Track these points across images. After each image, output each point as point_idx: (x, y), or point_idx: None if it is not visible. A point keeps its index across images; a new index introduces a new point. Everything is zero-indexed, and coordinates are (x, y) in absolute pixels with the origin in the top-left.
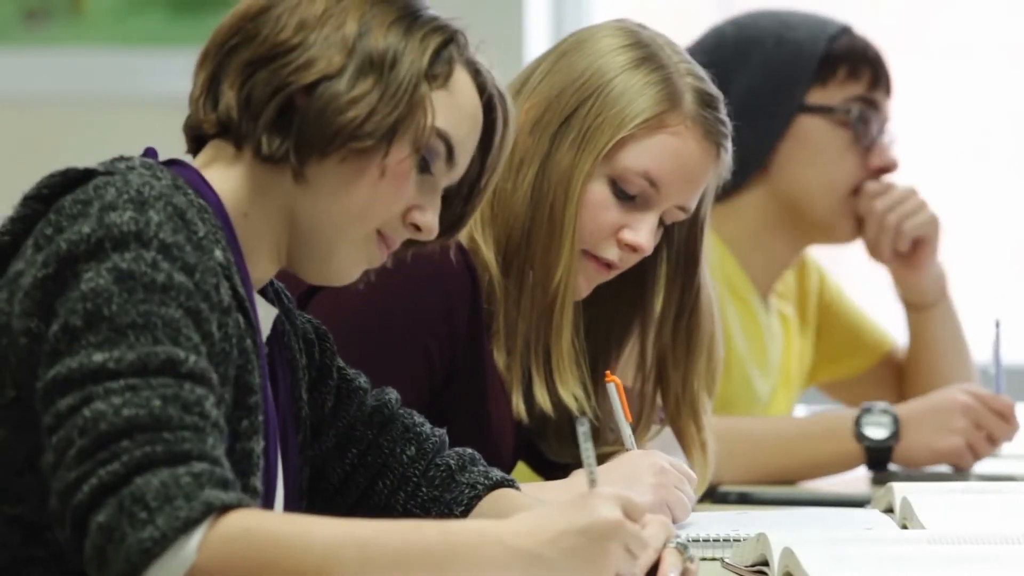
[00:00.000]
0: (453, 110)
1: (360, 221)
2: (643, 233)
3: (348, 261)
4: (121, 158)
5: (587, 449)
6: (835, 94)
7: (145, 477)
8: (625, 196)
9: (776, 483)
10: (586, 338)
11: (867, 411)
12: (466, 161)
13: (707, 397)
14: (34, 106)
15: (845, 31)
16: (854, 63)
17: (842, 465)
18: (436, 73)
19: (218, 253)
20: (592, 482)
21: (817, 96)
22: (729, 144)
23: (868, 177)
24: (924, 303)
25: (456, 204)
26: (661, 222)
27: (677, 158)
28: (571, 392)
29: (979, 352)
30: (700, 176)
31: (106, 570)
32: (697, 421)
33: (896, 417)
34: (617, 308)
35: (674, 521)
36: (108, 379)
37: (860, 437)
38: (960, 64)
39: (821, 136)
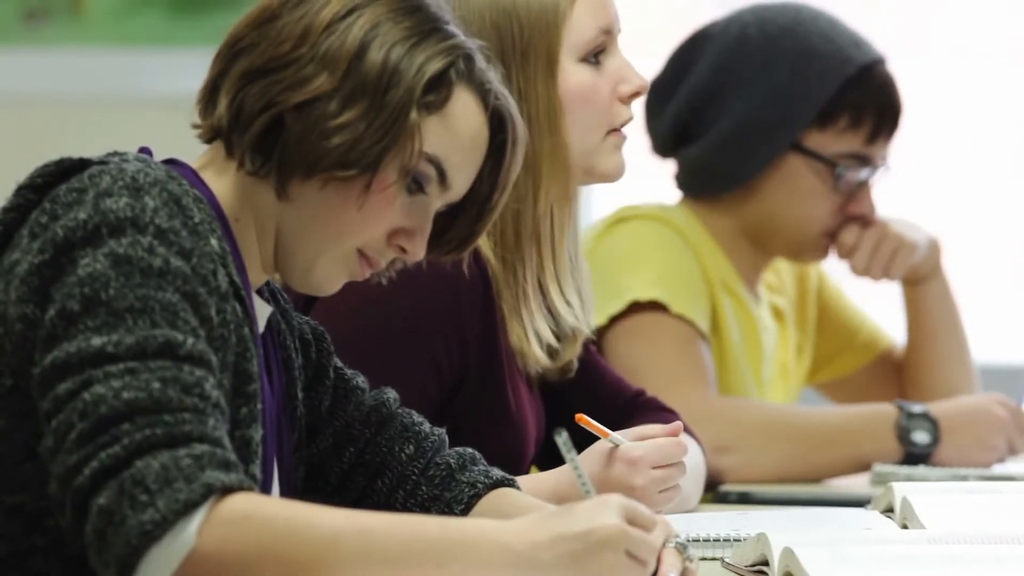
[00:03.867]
0: (447, 136)
1: (341, 240)
2: (633, 75)
3: (329, 275)
4: (115, 153)
5: (572, 459)
6: (830, 143)
7: (145, 460)
8: (596, 60)
9: (799, 481)
10: None
11: (908, 414)
12: (464, 182)
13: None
14: (34, 106)
15: (864, 70)
16: (858, 113)
17: (879, 460)
18: (430, 100)
19: (213, 241)
20: (587, 492)
21: (813, 139)
22: None
23: (844, 221)
24: (918, 276)
25: (466, 221)
26: None
27: (601, 1)
28: (567, 301)
29: (978, 351)
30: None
31: (106, 553)
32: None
33: (936, 423)
34: None
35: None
36: (107, 363)
37: (905, 441)
38: (961, 64)
39: (803, 178)
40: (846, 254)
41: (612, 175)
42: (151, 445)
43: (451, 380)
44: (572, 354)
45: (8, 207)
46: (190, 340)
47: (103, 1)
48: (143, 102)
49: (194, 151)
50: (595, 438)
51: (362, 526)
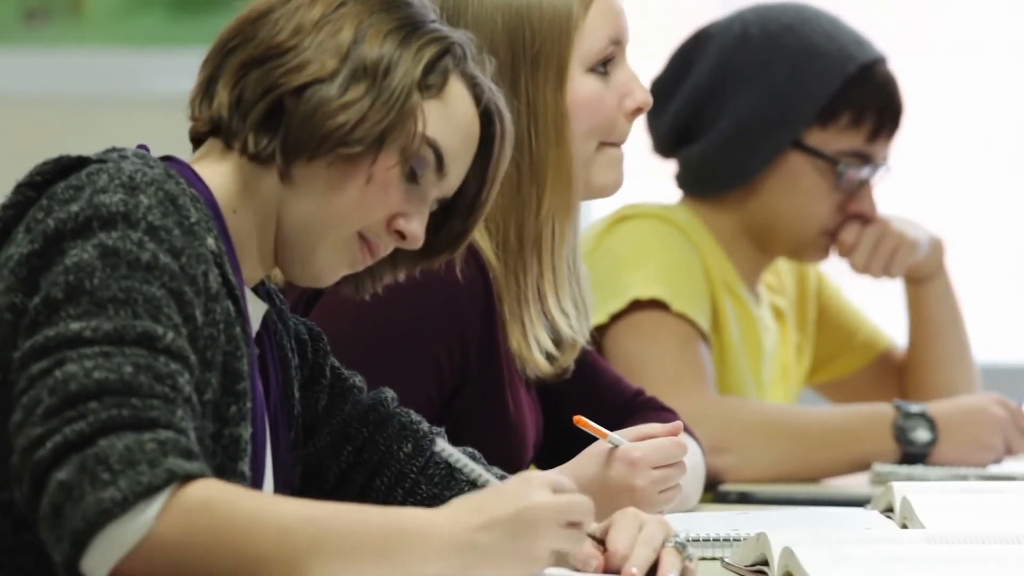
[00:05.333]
0: (445, 120)
1: (342, 224)
2: (639, 88)
3: (329, 262)
4: (113, 149)
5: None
6: (831, 141)
7: (110, 439)
8: (605, 71)
9: (798, 481)
10: None
11: (905, 414)
12: (459, 173)
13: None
14: (34, 106)
15: (866, 68)
16: (860, 111)
17: (877, 460)
18: (430, 83)
19: (210, 241)
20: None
21: (814, 137)
22: None
23: (845, 219)
24: (921, 275)
25: (457, 219)
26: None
27: (614, 7)
28: (563, 310)
29: (978, 351)
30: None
31: (60, 528)
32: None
33: (934, 422)
34: None
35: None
36: (83, 345)
37: (902, 440)
38: (962, 63)
39: (805, 175)
40: (846, 252)
41: (608, 189)
42: (117, 425)
43: (451, 382)
44: (569, 361)
45: (7, 204)
46: (170, 335)
47: (103, 1)
48: (143, 102)
49: (192, 151)
50: (594, 438)
51: (316, 517)
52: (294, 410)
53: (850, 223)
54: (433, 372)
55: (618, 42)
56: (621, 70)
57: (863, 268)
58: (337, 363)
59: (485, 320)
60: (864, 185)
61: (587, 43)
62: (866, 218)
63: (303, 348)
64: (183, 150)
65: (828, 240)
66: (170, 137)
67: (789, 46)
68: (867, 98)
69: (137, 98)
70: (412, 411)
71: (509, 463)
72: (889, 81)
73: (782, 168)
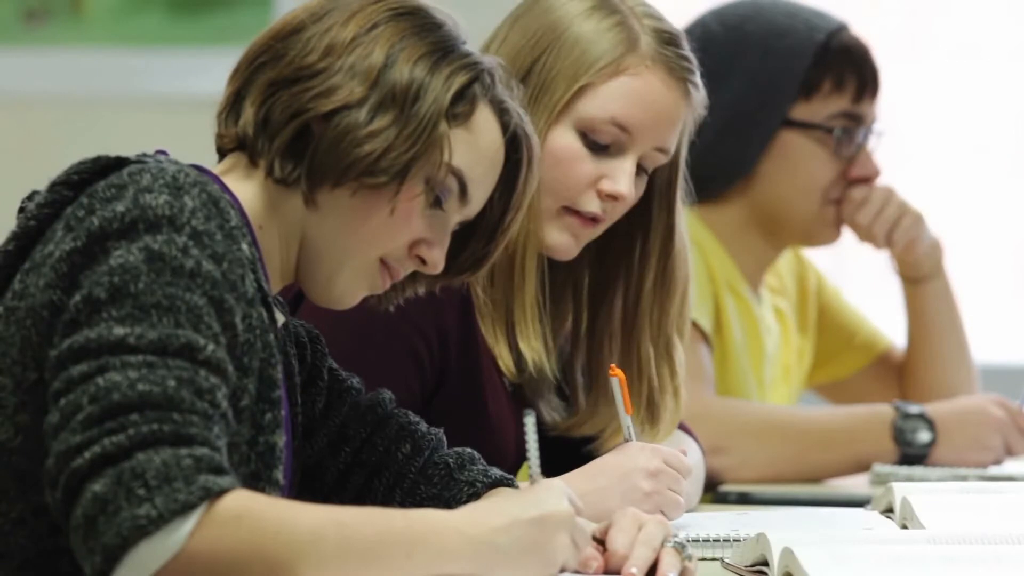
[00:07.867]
0: (471, 149)
1: (365, 251)
2: (622, 181)
3: (350, 286)
4: (145, 155)
5: (532, 443)
6: (819, 109)
7: (147, 453)
8: (597, 147)
9: (797, 481)
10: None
11: (904, 415)
12: (481, 199)
13: (679, 340)
14: (34, 106)
15: (833, 35)
16: (839, 74)
17: (876, 461)
18: (457, 112)
19: (244, 246)
20: (532, 478)
21: (801, 111)
22: (697, 79)
23: (849, 186)
24: (919, 276)
25: (479, 242)
26: (643, 170)
27: (642, 99)
28: (530, 345)
29: (978, 351)
30: (671, 115)
31: (93, 540)
32: (671, 365)
33: (932, 423)
34: (580, 264)
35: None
36: (126, 353)
37: (901, 441)
38: (961, 66)
39: (802, 150)
40: (855, 208)
41: (552, 250)
42: (156, 440)
43: (432, 373)
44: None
45: (42, 203)
46: (211, 346)
47: (103, 1)
48: (143, 102)
49: (192, 151)
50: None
51: (340, 520)
52: (297, 417)
53: (858, 185)
54: (413, 362)
55: (624, 129)
56: (622, 159)
57: (868, 227)
58: (335, 365)
59: (462, 309)
60: (861, 150)
61: (588, 106)
62: (870, 179)
63: (302, 351)
64: (182, 150)
65: (836, 212)
66: (170, 137)
67: (754, 33)
68: (842, 61)
69: (137, 98)
70: (411, 412)
71: (490, 462)
72: (858, 42)
73: (779, 150)
